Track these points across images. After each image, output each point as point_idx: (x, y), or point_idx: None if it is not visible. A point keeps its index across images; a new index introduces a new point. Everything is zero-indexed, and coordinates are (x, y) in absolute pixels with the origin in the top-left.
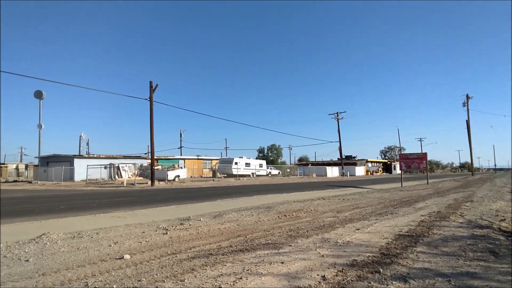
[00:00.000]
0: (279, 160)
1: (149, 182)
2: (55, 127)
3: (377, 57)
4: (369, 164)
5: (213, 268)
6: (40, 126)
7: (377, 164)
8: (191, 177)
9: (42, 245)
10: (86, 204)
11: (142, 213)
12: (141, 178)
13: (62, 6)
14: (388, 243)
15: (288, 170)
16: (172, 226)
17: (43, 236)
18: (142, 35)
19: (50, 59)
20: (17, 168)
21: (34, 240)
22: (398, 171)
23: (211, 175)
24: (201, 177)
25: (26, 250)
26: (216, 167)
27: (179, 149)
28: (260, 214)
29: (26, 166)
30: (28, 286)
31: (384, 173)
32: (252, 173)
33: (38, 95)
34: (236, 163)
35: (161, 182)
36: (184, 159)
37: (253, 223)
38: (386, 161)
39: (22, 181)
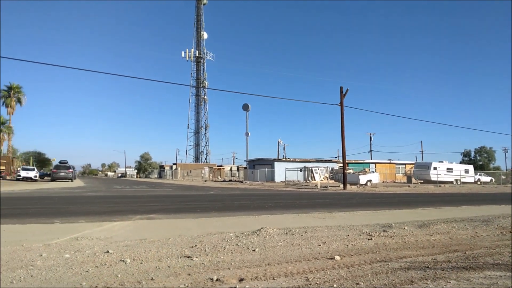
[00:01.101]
0: (491, 165)
1: (341, 186)
2: (258, 134)
3: None
4: None
5: (435, 283)
6: (247, 134)
7: None
8: (383, 182)
9: (263, 238)
10: (288, 203)
11: (340, 215)
12: (333, 181)
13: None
14: None
15: (504, 177)
16: (376, 232)
17: (261, 229)
18: (329, 41)
19: (254, 75)
20: (231, 170)
21: (255, 233)
22: None
23: (405, 181)
24: (394, 182)
25: (252, 241)
26: (411, 172)
27: (369, 153)
28: (476, 228)
29: (238, 168)
30: (259, 272)
31: None
32: (456, 180)
33: (245, 107)
34: (435, 168)
35: (353, 186)
36: (375, 163)
37: (469, 237)
38: None
39: (235, 181)
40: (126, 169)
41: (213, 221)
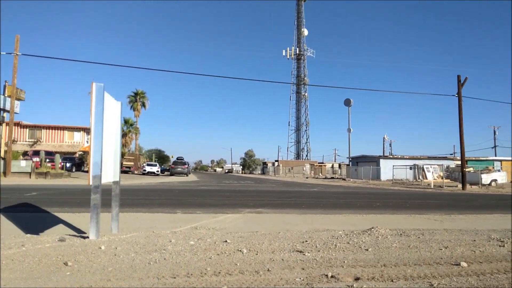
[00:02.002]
0: None
1: (459, 185)
2: (361, 130)
3: None
4: None
5: None
6: (349, 130)
7: None
8: (511, 182)
9: (375, 238)
10: (398, 203)
11: (460, 218)
12: (448, 180)
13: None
14: None
15: None
16: (508, 239)
17: (372, 229)
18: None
19: (356, 68)
20: (332, 167)
21: (366, 232)
22: None
23: None
24: None
25: (363, 240)
26: None
27: (493, 148)
28: None
29: (339, 165)
30: (375, 273)
31: None
32: None
33: (347, 103)
34: None
35: (473, 186)
36: (500, 160)
37: None
38: None
39: (337, 178)
40: (232, 165)
41: (319, 218)
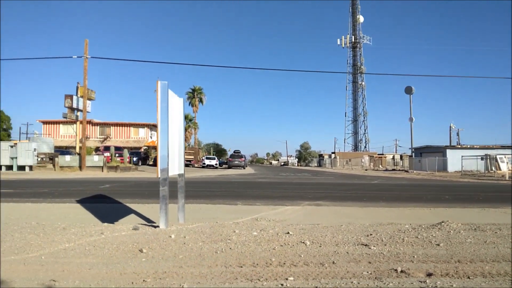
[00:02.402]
0: None
1: None
2: (424, 119)
3: None
4: None
5: None
6: (411, 120)
7: None
8: None
9: (446, 232)
10: (469, 196)
11: None
12: None
13: None
14: None
15: None
16: None
17: (442, 223)
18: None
19: (417, 54)
20: (393, 158)
21: (436, 226)
22: None
23: None
24: None
25: (433, 235)
26: None
27: None
28: None
29: (401, 157)
30: (449, 269)
31: None
32: None
33: (408, 90)
34: None
35: None
36: None
37: None
38: None
39: (399, 170)
40: (288, 157)
41: (382, 211)
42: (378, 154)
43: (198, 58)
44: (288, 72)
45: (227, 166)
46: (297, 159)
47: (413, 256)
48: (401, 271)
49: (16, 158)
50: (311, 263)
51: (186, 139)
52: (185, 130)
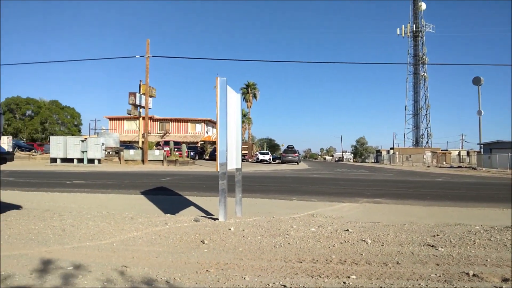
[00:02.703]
0: None
1: None
2: (494, 113)
3: None
4: None
5: None
6: (480, 113)
7: None
8: None
9: None
10: None
11: None
12: None
13: None
14: None
15: None
16: None
17: None
18: None
19: (484, 42)
20: (459, 154)
21: (511, 228)
22: None
23: None
24: None
25: (508, 237)
26: None
27: None
28: None
29: (468, 153)
30: None
31: None
32: None
33: (477, 81)
34: None
35: None
36: None
37: None
38: None
39: (465, 167)
40: (343, 153)
41: (448, 210)
42: (442, 150)
43: (251, 54)
44: (344, 64)
45: (280, 161)
46: (352, 155)
47: (486, 260)
48: (473, 275)
49: (86, 152)
50: (373, 262)
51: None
52: None
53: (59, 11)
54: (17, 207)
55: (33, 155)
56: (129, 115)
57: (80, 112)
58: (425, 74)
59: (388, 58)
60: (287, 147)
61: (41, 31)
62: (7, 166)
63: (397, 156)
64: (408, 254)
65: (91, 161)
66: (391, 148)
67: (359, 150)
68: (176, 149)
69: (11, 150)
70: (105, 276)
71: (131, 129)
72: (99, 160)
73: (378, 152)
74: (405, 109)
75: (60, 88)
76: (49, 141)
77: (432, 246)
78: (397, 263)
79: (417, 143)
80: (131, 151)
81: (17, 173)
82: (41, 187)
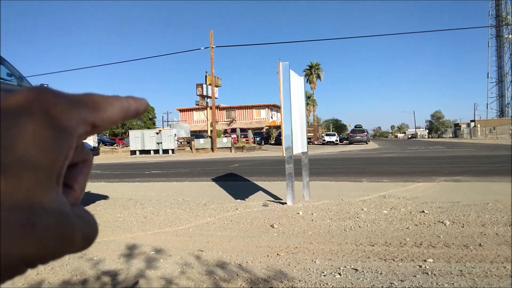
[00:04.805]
0: None
1: None
2: None
3: None
4: None
5: None
6: None
7: None
8: None
9: None
10: None
11: None
12: None
13: None
14: None
15: None
16: None
17: None
18: None
19: None
20: None
21: None
22: None
23: None
24: None
25: None
26: None
27: None
28: None
29: None
30: None
31: None
32: None
33: None
34: None
35: None
36: None
37: None
38: None
39: None
40: (416, 129)
41: None
42: None
43: (314, 34)
44: (414, 34)
45: (348, 142)
46: (427, 131)
47: None
48: None
49: (161, 143)
50: (452, 244)
51: (306, 116)
52: None
53: (126, 11)
54: (105, 197)
55: (115, 148)
56: (197, 106)
57: (154, 106)
58: (510, 36)
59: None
60: (355, 126)
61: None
62: (94, 160)
63: (478, 129)
64: (492, 235)
65: (165, 151)
66: (471, 121)
67: (435, 125)
68: (242, 136)
69: (96, 145)
70: (184, 259)
71: (200, 119)
72: (172, 150)
73: (457, 126)
74: (488, 77)
75: (134, 85)
76: (128, 135)
77: None
78: (480, 245)
79: (502, 113)
80: (201, 140)
81: (103, 166)
82: (124, 178)
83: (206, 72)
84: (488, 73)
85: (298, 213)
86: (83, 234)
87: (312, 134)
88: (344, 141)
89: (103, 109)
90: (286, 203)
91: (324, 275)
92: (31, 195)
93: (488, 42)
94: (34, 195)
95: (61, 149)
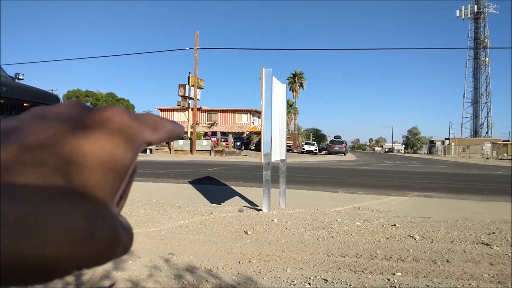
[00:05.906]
0: None
1: None
2: None
3: None
4: None
5: None
6: None
7: None
8: None
9: None
10: None
11: None
12: None
13: None
14: None
15: None
16: None
17: None
18: None
19: None
20: None
21: None
22: None
23: None
24: None
25: None
26: None
27: None
28: None
29: None
30: None
31: None
32: None
33: None
34: None
35: None
36: None
37: None
38: None
39: None
40: (393, 144)
41: (507, 206)
42: (503, 141)
43: (297, 43)
44: (396, 50)
45: (326, 152)
46: (403, 146)
47: None
48: None
49: None
50: (421, 259)
51: (286, 124)
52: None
53: (113, 10)
54: None
55: None
56: (178, 106)
57: (134, 104)
58: (487, 59)
59: (445, 42)
60: (334, 137)
61: (100, 29)
62: None
63: (452, 147)
64: (460, 252)
65: (143, 151)
66: (446, 139)
67: (411, 141)
68: (222, 140)
69: None
70: (153, 262)
71: (180, 120)
72: (150, 150)
73: (432, 142)
74: (464, 97)
75: (115, 81)
76: None
77: (487, 244)
78: (447, 261)
79: (475, 133)
80: (181, 141)
81: None
82: None
83: (190, 73)
84: (464, 94)
85: (273, 221)
86: (123, 245)
87: (292, 142)
88: (323, 151)
89: (159, 130)
90: (262, 210)
91: (294, 284)
92: (99, 206)
93: (466, 63)
94: (101, 207)
95: (127, 167)
